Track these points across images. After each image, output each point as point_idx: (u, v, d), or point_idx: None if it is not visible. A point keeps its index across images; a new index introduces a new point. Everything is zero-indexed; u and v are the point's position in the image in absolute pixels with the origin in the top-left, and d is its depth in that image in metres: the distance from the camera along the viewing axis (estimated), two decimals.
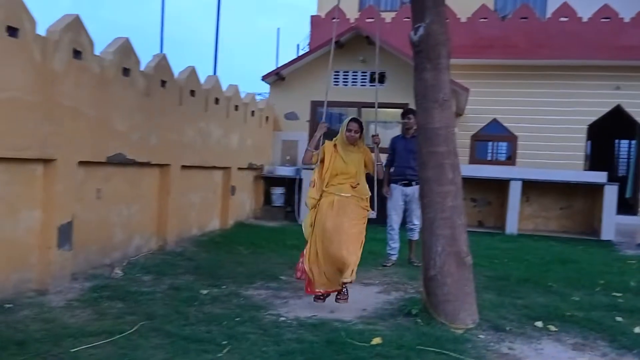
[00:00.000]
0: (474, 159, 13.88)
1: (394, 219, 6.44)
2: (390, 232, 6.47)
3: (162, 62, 6.45)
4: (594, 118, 13.31)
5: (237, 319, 4.01)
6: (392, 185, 6.47)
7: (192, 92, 7.20)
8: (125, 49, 5.67)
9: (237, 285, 5.12)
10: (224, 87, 8.52)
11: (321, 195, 4.61)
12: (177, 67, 7.03)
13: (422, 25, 4.16)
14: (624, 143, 19.12)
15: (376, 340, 3.59)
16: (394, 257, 6.42)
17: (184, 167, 7.10)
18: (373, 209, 4.74)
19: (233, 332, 3.73)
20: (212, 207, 8.30)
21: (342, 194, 4.55)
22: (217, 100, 7.98)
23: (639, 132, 13.60)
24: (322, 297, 4.60)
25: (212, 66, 14.43)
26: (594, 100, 13.19)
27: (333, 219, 4.45)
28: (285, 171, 10.70)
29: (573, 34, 12.77)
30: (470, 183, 10.28)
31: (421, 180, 4.35)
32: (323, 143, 4.78)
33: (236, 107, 8.77)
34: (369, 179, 4.84)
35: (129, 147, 5.80)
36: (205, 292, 4.77)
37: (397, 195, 6.41)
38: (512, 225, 9.64)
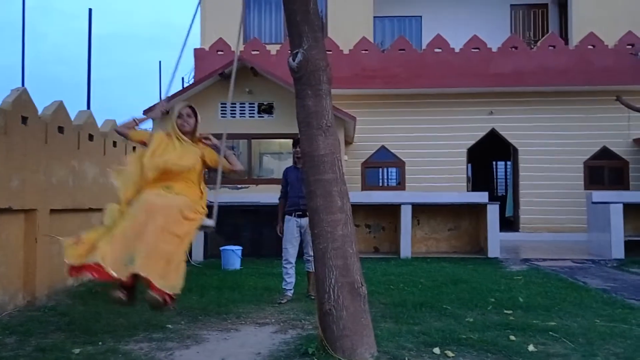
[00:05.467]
0: (365, 186, 14.13)
1: (290, 252, 6.20)
2: (285, 266, 6.21)
3: (22, 97, 5.82)
4: (472, 142, 14.10)
5: None
6: (287, 217, 6.26)
7: (61, 129, 6.58)
8: None
9: (115, 340, 4.58)
10: (99, 123, 7.93)
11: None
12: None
13: (300, 50, 4.04)
14: (501, 164, 20.49)
15: None
16: (289, 293, 6.16)
17: (54, 211, 6.41)
18: (210, 217, 3.97)
19: None
20: None
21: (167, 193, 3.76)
22: (91, 137, 7.38)
23: (513, 154, 14.57)
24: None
25: (86, 101, 13.57)
26: (470, 125, 14.01)
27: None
28: None
29: (447, 63, 13.55)
30: (364, 209, 10.38)
31: (310, 210, 4.16)
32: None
33: (114, 144, 8.17)
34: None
35: None
36: (77, 351, 4.20)
37: (292, 227, 6.19)
38: (405, 249, 9.78)
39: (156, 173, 3.78)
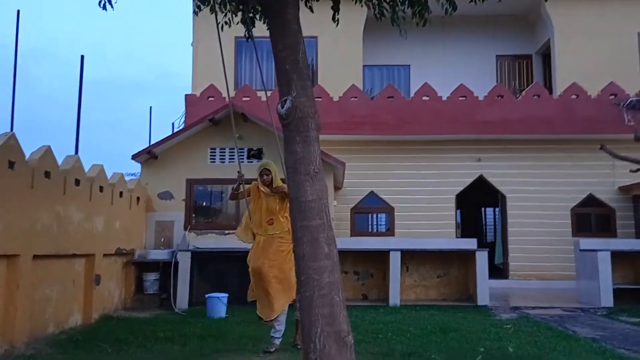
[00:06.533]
0: (354, 231, 14.07)
1: None
2: None
3: (9, 142, 5.81)
4: (460, 188, 14.18)
5: None
6: None
7: (47, 174, 6.55)
8: None
9: None
10: (87, 167, 7.91)
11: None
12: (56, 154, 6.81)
13: (288, 98, 4.09)
14: (489, 211, 20.55)
15: None
16: (277, 341, 6.01)
17: (36, 256, 6.31)
18: None
19: None
20: (72, 301, 7.40)
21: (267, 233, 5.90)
22: (77, 182, 7.34)
23: (501, 200, 14.64)
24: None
25: (74, 145, 13.54)
26: (459, 172, 14.13)
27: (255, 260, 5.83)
28: (160, 255, 9.99)
29: (435, 111, 13.78)
30: (353, 256, 10.28)
31: (296, 257, 4.11)
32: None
33: (101, 188, 8.13)
34: None
35: None
36: None
37: None
38: (394, 296, 9.65)
39: (258, 218, 5.98)
